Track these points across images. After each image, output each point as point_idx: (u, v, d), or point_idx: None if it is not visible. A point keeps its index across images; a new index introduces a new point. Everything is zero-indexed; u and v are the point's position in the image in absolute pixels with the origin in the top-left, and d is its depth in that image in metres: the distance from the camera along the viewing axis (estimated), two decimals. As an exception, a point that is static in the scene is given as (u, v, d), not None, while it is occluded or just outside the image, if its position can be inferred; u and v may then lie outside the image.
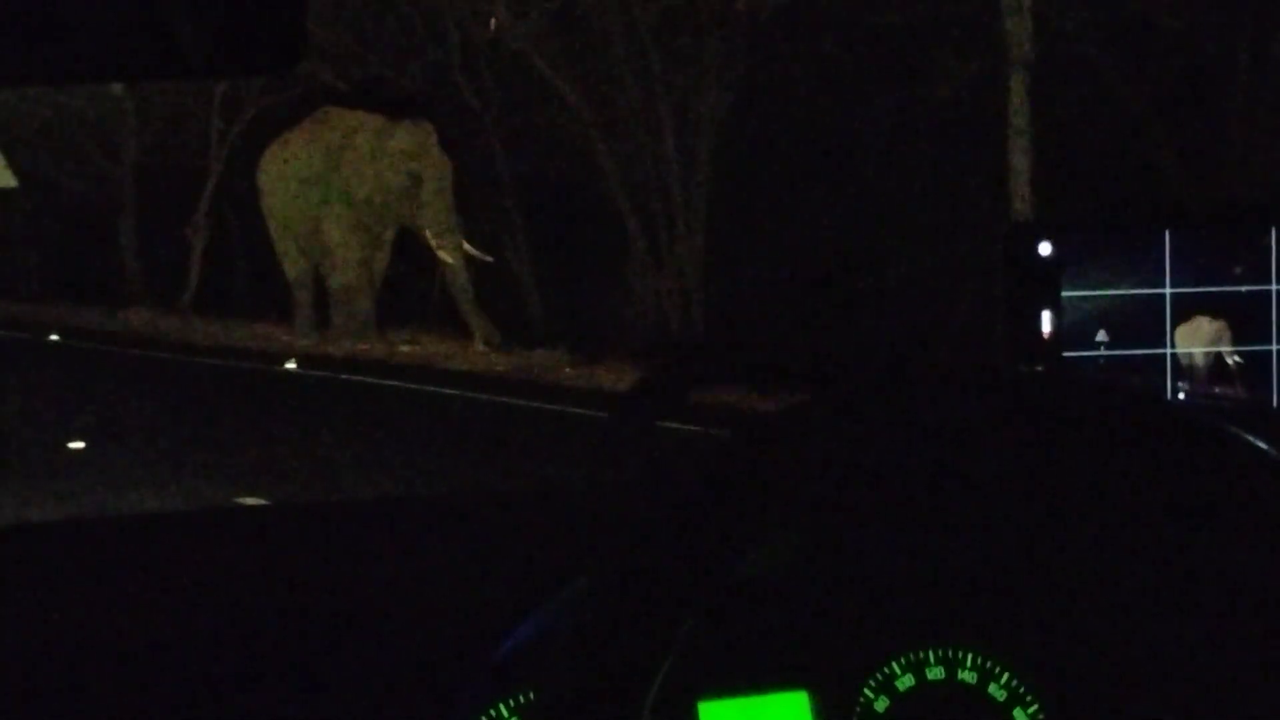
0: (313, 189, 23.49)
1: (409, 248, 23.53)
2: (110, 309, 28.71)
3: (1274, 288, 2.25)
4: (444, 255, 22.57)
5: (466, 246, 22.54)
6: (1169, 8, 17.08)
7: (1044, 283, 2.22)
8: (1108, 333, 2.24)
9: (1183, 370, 2.26)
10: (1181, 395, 2.26)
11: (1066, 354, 2.22)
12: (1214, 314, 2.26)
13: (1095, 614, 1.61)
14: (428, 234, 22.69)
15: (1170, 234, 2.24)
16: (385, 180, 22.99)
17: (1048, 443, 1.43)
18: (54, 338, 25.79)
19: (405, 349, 22.46)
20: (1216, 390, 2.26)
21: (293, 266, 24.29)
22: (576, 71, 21.99)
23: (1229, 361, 2.26)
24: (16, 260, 33.19)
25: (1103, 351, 2.24)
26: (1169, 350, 2.25)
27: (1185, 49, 17.63)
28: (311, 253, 23.99)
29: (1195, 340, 2.25)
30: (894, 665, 1.74)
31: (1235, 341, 2.25)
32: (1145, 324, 2.25)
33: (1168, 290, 2.24)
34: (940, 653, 1.74)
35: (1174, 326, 2.25)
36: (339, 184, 23.31)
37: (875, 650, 1.73)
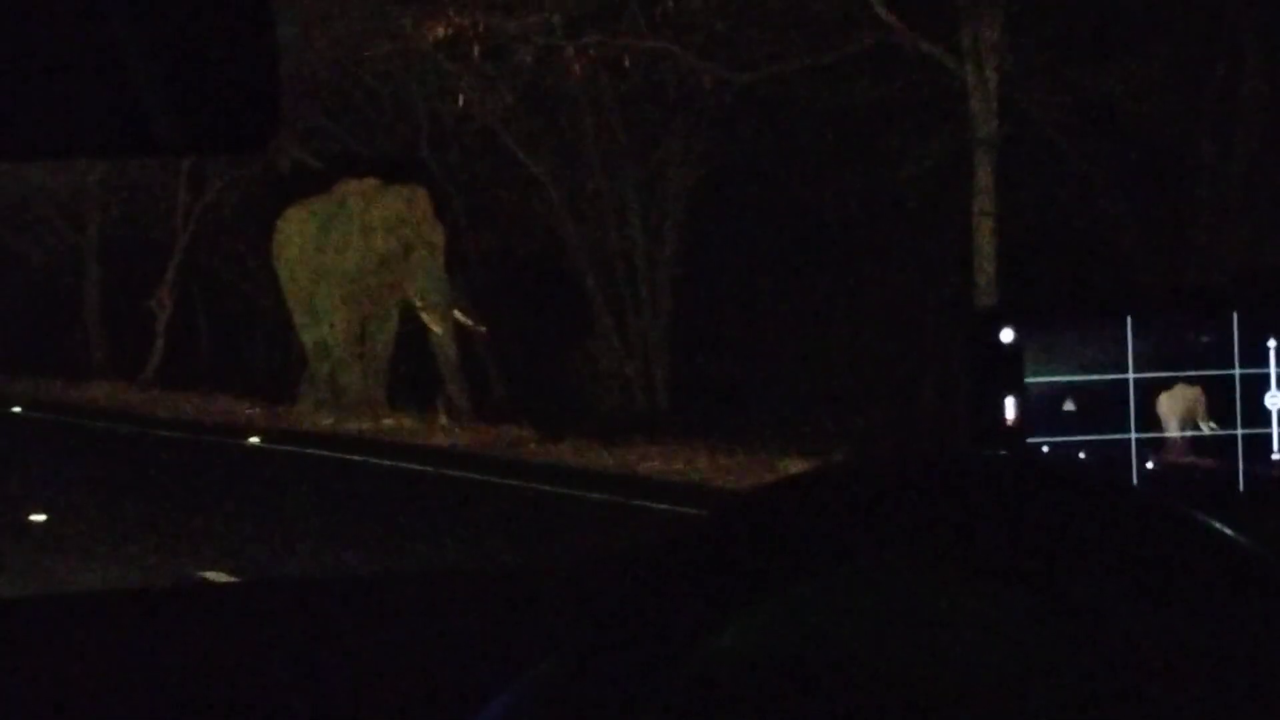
0: (312, 259, 23.23)
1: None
2: (73, 381, 28.58)
3: (1237, 372, 2.26)
4: (431, 324, 22.38)
5: (459, 315, 22.35)
6: (1134, 92, 17.21)
7: (1007, 368, 2.22)
8: (1073, 419, 2.24)
9: (1162, 441, 2.25)
10: (1150, 465, 2.25)
11: (1031, 440, 2.22)
12: (1190, 381, 2.25)
13: (1062, 696, 1.61)
14: (416, 303, 22.50)
15: (1131, 319, 2.24)
16: (374, 248, 22.72)
17: (1011, 529, 1.44)
18: (16, 410, 25.66)
19: (368, 425, 22.34)
20: (1190, 461, 2.25)
21: (307, 333, 23.87)
22: (544, 148, 22.05)
23: (1205, 429, 2.26)
24: (-21, 332, 33.08)
25: (1068, 438, 2.24)
26: (1133, 435, 2.25)
27: (1149, 133, 17.75)
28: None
29: (1175, 407, 2.25)
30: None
31: (1208, 411, 2.25)
32: (1110, 409, 2.25)
33: (1130, 375, 2.24)
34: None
35: (1141, 406, 2.25)
36: (329, 254, 23.07)
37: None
